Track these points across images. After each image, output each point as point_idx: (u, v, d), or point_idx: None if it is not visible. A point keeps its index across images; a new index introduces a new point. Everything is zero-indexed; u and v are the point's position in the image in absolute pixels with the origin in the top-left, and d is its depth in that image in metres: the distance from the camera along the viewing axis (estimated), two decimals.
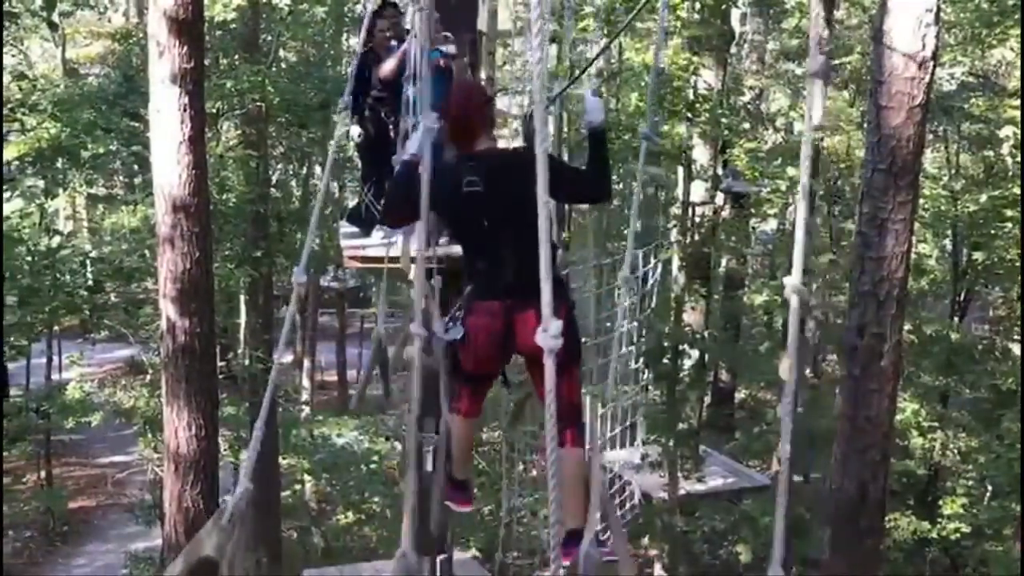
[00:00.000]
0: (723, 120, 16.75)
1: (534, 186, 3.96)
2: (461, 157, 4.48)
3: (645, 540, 16.85)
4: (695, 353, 17.53)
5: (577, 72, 19.69)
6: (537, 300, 4.40)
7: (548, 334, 2.51)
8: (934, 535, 14.42)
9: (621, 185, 24.78)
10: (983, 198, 15.10)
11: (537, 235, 4.57)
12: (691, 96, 16.73)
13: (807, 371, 19.48)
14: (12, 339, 15.49)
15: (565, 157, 21.23)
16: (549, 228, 2.90)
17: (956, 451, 15.62)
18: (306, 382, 24.71)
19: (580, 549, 4.15)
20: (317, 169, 25.48)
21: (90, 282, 15.94)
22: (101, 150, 15.19)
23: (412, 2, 5.33)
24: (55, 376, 20.73)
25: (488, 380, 4.93)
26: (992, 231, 15.97)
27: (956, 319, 17.17)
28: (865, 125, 8.26)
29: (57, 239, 16.88)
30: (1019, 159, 15.59)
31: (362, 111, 8.41)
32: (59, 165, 16.27)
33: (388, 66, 7.92)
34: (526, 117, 5.73)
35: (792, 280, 2.68)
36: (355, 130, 8.49)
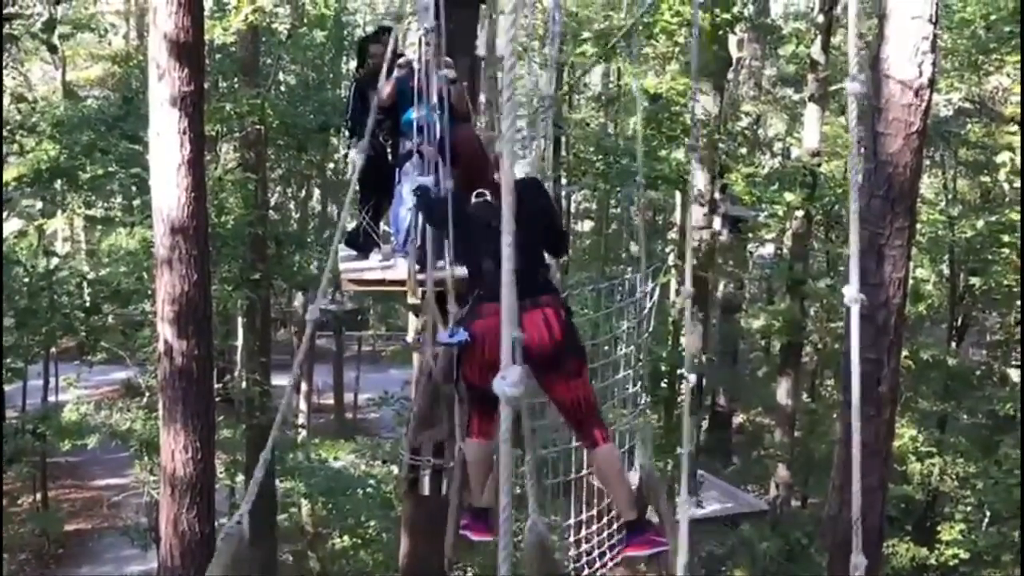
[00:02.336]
0: (721, 145, 16.81)
1: (540, 206, 4.85)
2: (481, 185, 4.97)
3: (643, 565, 16.77)
4: (693, 377, 17.52)
5: (574, 96, 19.80)
6: (541, 303, 4.65)
7: (506, 382, 2.34)
8: (932, 561, 14.38)
9: (619, 209, 24.83)
10: (980, 223, 15.14)
11: (538, 250, 4.89)
12: (688, 121, 16.80)
13: (805, 396, 19.47)
14: (9, 360, 15.45)
15: (563, 180, 21.29)
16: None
17: (954, 477, 15.59)
18: (303, 405, 24.67)
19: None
20: (316, 192, 25.55)
21: (87, 304, 15.90)
22: (100, 172, 15.19)
23: (420, 25, 5.54)
24: (52, 398, 20.67)
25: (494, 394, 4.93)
26: (989, 256, 16.01)
27: (954, 344, 17.18)
28: (862, 151, 8.29)
29: (55, 260, 16.87)
30: (1015, 185, 15.64)
31: (360, 134, 8.41)
32: (57, 186, 16.28)
33: (385, 92, 7.94)
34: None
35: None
36: (355, 155, 8.50)
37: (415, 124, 6.26)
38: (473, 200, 4.92)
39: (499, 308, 4.40)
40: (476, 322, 4.66)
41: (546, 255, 5.11)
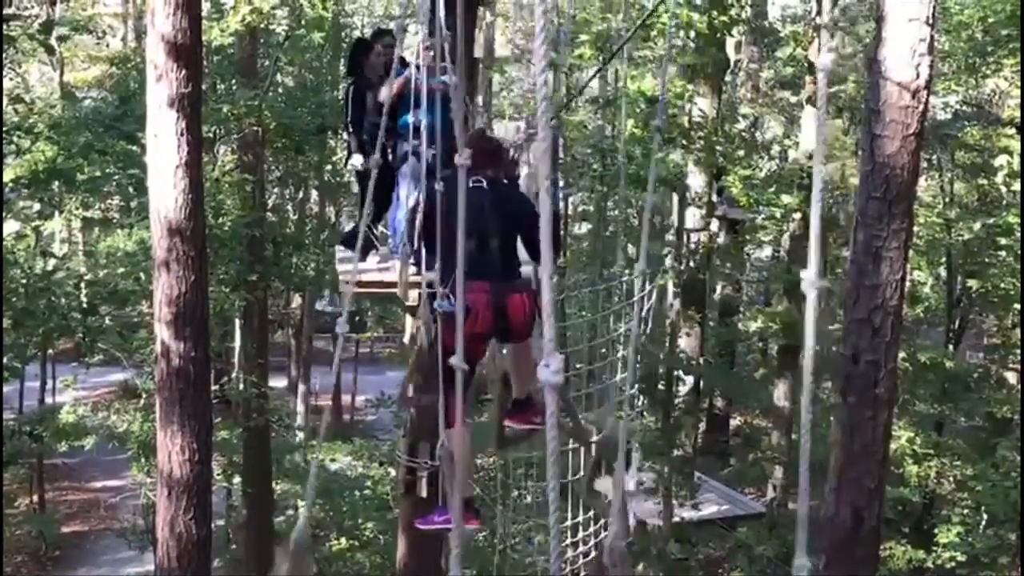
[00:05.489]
0: (718, 147, 16.81)
1: (521, 208, 5.55)
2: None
3: (640, 567, 16.77)
4: (690, 379, 17.53)
5: (571, 98, 19.81)
6: (520, 287, 5.41)
7: (549, 370, 2.57)
8: (929, 564, 14.38)
9: (616, 211, 24.81)
10: (977, 226, 15.15)
11: (514, 244, 5.51)
12: (686, 123, 16.80)
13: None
14: (6, 361, 15.43)
15: (560, 183, 21.28)
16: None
17: (951, 479, 15.59)
18: (300, 407, 24.66)
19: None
20: (313, 194, 25.56)
21: (85, 305, 15.87)
22: (97, 173, 15.17)
23: (427, 35, 5.79)
24: (49, 399, 20.66)
25: (469, 371, 5.47)
26: (986, 259, 16.02)
27: (951, 347, 17.19)
28: (859, 153, 8.29)
29: (52, 262, 16.84)
30: (1013, 187, 15.65)
31: (361, 136, 8.42)
32: (55, 188, 16.26)
33: (387, 92, 7.95)
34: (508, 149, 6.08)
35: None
36: (357, 159, 8.52)
37: (411, 126, 6.28)
38: (470, 184, 5.25)
39: (483, 285, 5.12)
40: (467, 296, 5.03)
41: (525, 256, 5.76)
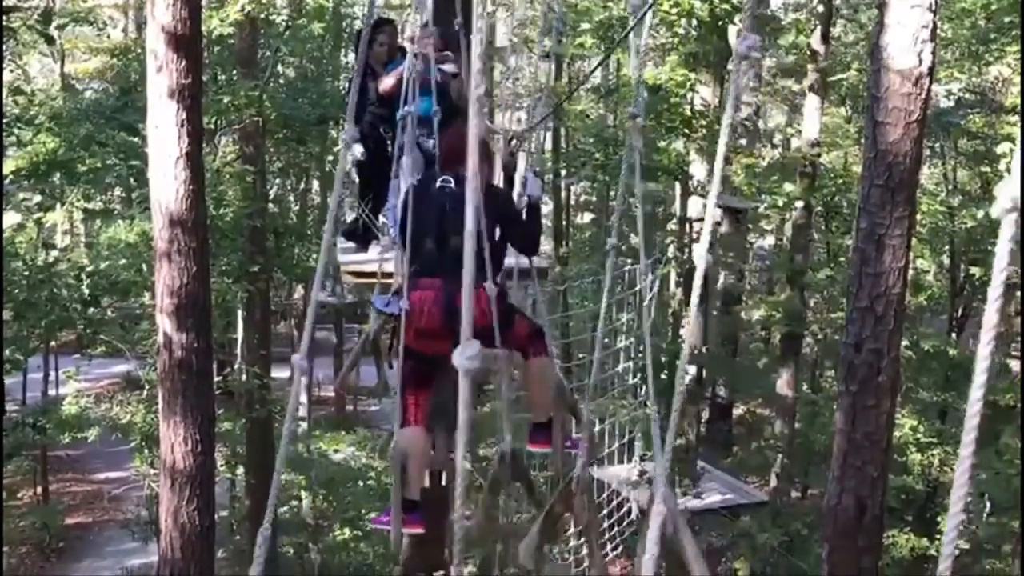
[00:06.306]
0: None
1: (492, 205, 4.95)
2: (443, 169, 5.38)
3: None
4: (693, 369, 17.52)
5: (573, 87, 19.77)
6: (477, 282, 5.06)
7: (463, 356, 2.55)
8: (933, 552, 14.38)
9: (618, 200, 24.75)
10: (980, 214, 15.13)
11: (481, 242, 5.01)
12: (688, 112, 16.77)
13: (805, 387, 19.47)
14: (8, 353, 15.44)
15: (562, 172, 21.27)
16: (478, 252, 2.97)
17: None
18: (303, 397, 24.66)
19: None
20: (315, 184, 25.55)
21: (86, 297, 15.88)
22: (98, 164, 15.15)
23: (420, 27, 5.71)
24: (52, 391, 20.67)
25: (431, 369, 5.29)
26: (989, 247, 15.99)
27: (954, 335, 17.18)
28: (862, 141, 8.27)
29: (54, 253, 16.84)
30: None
31: (361, 127, 8.40)
32: (56, 179, 16.25)
33: (387, 82, 7.94)
34: (508, 140, 6.01)
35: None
36: (357, 148, 8.48)
37: (411, 118, 6.23)
38: (438, 183, 5.24)
39: (434, 282, 4.93)
40: (413, 293, 5.04)
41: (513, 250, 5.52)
